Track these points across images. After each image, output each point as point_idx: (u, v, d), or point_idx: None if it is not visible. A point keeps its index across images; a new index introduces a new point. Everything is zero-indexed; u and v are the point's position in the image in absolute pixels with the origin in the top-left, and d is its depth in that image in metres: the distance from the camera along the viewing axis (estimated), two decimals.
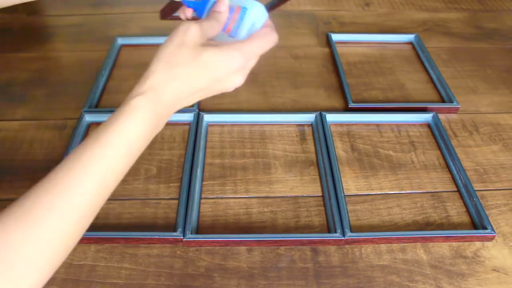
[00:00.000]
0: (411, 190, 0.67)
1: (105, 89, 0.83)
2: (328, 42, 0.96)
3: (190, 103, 0.42)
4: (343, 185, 0.66)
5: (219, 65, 0.40)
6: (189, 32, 0.40)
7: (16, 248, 0.32)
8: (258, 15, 0.43)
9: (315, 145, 0.73)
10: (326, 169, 0.67)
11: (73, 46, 0.95)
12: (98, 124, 0.76)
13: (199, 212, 0.63)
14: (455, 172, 0.69)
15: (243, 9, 0.43)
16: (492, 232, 0.60)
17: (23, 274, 0.32)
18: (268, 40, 0.43)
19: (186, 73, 0.40)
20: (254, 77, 0.90)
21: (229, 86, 0.43)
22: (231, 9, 0.44)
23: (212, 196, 0.65)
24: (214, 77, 0.41)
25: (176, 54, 0.40)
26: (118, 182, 0.39)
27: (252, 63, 0.43)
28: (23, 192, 0.65)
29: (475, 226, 0.62)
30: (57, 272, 0.55)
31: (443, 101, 0.82)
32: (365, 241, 0.59)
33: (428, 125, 0.78)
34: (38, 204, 0.34)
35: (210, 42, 0.42)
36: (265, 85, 0.86)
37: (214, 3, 0.44)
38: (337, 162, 0.68)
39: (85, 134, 0.74)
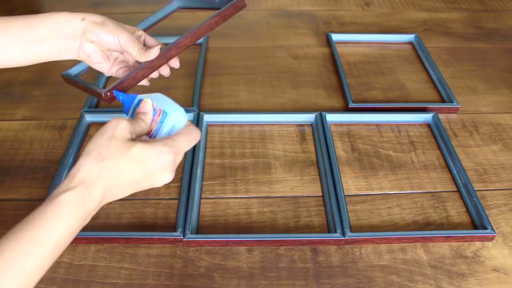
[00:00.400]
0: (411, 190, 0.67)
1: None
2: (328, 42, 0.96)
3: (120, 197, 0.42)
4: (343, 185, 0.66)
5: (149, 160, 0.41)
6: (119, 127, 0.41)
7: None
8: (178, 119, 0.45)
9: (315, 145, 0.73)
10: (326, 169, 0.67)
11: None
12: (98, 124, 0.76)
13: (199, 212, 0.63)
14: (455, 172, 0.69)
15: (164, 113, 0.45)
16: (492, 232, 0.60)
17: None
18: (193, 137, 0.45)
19: (116, 166, 0.39)
20: (254, 77, 0.91)
21: (158, 182, 0.42)
22: (154, 111, 0.45)
23: (212, 196, 0.65)
24: (144, 171, 0.41)
25: (106, 147, 0.40)
26: (40, 278, 0.37)
27: (179, 158, 0.44)
28: (23, 192, 0.65)
29: (475, 226, 0.62)
30: (57, 272, 0.55)
31: (443, 101, 0.82)
32: (365, 241, 0.59)
33: (428, 125, 0.78)
34: None
35: (139, 138, 0.43)
36: (265, 85, 0.86)
37: (139, 102, 0.46)
38: (337, 162, 0.68)
39: (85, 134, 0.74)
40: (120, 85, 0.50)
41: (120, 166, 0.40)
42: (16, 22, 0.52)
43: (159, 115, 0.45)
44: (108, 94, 0.49)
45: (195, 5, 0.61)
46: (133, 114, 0.46)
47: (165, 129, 0.45)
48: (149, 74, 0.52)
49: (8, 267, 0.34)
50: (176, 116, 0.45)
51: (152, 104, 0.45)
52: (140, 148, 0.40)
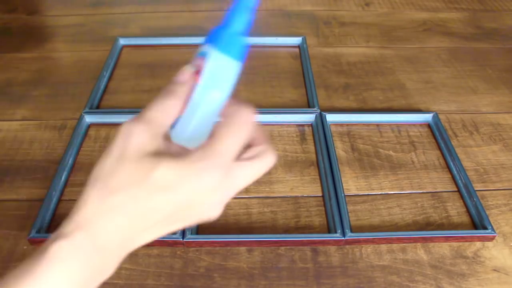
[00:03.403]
0: (411, 190, 0.67)
1: (106, 90, 0.83)
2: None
3: (149, 240, 0.30)
4: (343, 185, 0.66)
5: (181, 185, 0.27)
6: (132, 140, 0.27)
7: None
8: (221, 66, 0.26)
9: (315, 145, 0.73)
10: (326, 169, 0.67)
11: (73, 46, 0.95)
12: (98, 125, 0.76)
13: None
14: (455, 172, 0.69)
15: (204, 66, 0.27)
16: (493, 232, 0.59)
17: None
18: (240, 127, 0.28)
19: (133, 201, 0.27)
20: (254, 77, 0.90)
21: (204, 214, 0.29)
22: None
23: None
24: (176, 202, 0.27)
25: (115, 174, 0.27)
26: None
27: (230, 171, 0.28)
28: (23, 192, 0.65)
29: (475, 226, 0.62)
30: None
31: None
32: (365, 241, 0.59)
33: (428, 125, 0.78)
34: None
35: (165, 148, 0.29)
36: (265, 85, 0.86)
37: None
38: (337, 162, 0.68)
39: (85, 135, 0.74)
40: None
41: (139, 201, 0.27)
42: None
43: (198, 76, 0.28)
44: None
45: None
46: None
47: (202, 97, 0.28)
48: None
49: None
50: (218, 61, 0.26)
51: (194, 70, 0.28)
52: (166, 170, 0.27)
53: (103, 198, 0.27)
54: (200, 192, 0.27)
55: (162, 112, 0.29)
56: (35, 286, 0.26)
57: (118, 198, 0.27)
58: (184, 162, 0.27)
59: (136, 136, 0.27)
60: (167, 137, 0.30)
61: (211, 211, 0.29)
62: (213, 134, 0.28)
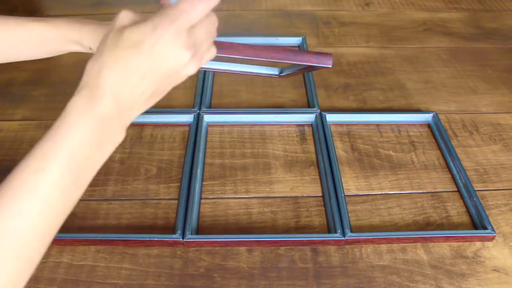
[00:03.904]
0: (411, 190, 0.67)
1: None
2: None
3: (139, 96, 0.35)
4: (343, 185, 0.66)
5: (142, 40, 0.33)
6: (119, 16, 0.37)
7: None
8: None
9: (315, 145, 0.73)
10: (326, 169, 0.67)
11: None
12: None
13: (199, 212, 0.63)
14: (455, 172, 0.69)
15: None
16: (493, 232, 0.59)
17: None
18: None
19: (113, 58, 0.34)
20: (254, 77, 0.90)
21: (173, 64, 0.35)
22: None
23: (212, 197, 0.65)
24: (146, 55, 0.34)
25: (104, 41, 0.35)
26: (72, 198, 0.33)
27: (197, 32, 0.35)
28: None
29: (475, 226, 0.62)
30: (57, 273, 0.55)
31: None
32: (365, 241, 0.59)
33: (428, 125, 0.78)
34: None
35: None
36: (265, 85, 0.86)
37: None
38: (337, 162, 0.68)
39: None
40: None
41: (118, 57, 0.34)
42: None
43: None
44: None
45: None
46: None
47: None
48: None
49: (21, 186, 0.31)
50: None
51: None
52: (131, 31, 0.34)
53: (95, 60, 0.34)
54: (161, 44, 0.33)
55: (148, 16, 0.36)
56: (59, 137, 0.33)
57: (104, 57, 0.34)
58: (143, 21, 0.34)
59: (122, 14, 0.37)
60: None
61: (179, 59, 0.34)
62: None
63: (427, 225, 0.62)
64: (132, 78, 0.34)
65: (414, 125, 0.78)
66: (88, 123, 0.33)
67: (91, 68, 0.34)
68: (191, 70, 0.36)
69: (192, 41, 0.35)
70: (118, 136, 0.35)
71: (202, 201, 0.64)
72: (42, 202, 0.31)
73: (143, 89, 0.35)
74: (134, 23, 0.35)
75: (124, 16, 0.36)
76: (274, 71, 0.60)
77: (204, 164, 0.70)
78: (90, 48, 0.51)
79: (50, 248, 0.50)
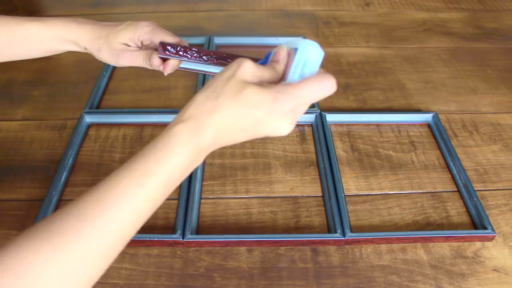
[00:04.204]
0: (411, 190, 0.67)
1: (106, 90, 0.83)
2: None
3: (231, 142, 0.39)
4: (343, 185, 0.66)
5: (262, 106, 0.37)
6: (242, 67, 0.38)
7: (36, 274, 0.30)
8: (310, 53, 0.38)
9: (315, 145, 0.73)
10: (326, 169, 0.67)
11: None
12: (98, 125, 0.76)
13: (199, 212, 0.63)
14: (455, 172, 0.69)
15: (295, 51, 0.39)
16: (492, 232, 0.59)
17: None
18: (323, 86, 0.37)
19: (227, 107, 0.37)
20: None
21: (273, 131, 0.38)
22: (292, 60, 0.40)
23: (212, 197, 0.65)
24: (255, 117, 0.37)
25: (222, 85, 0.37)
26: (153, 212, 0.37)
27: (301, 108, 0.39)
28: (23, 192, 0.65)
29: (475, 226, 0.62)
30: None
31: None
32: (365, 241, 0.59)
33: (428, 125, 0.78)
34: (65, 229, 0.32)
35: (259, 82, 0.39)
36: None
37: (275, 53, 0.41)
38: (337, 162, 0.68)
39: (85, 135, 0.74)
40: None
41: (231, 108, 0.37)
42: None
43: (291, 56, 0.39)
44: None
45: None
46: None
47: (296, 72, 0.39)
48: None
49: (122, 195, 0.34)
50: (308, 50, 0.38)
51: (287, 51, 0.40)
52: (253, 92, 0.36)
53: (209, 99, 0.37)
54: (273, 114, 0.37)
55: (264, 69, 0.39)
56: (161, 157, 0.36)
57: (218, 101, 0.37)
58: (266, 90, 0.37)
59: (245, 66, 0.38)
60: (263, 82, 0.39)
61: (281, 129, 0.38)
62: (299, 81, 0.38)
63: (427, 225, 0.62)
64: (235, 128, 0.38)
65: (414, 125, 0.78)
66: (188, 151, 0.37)
67: (203, 105, 0.37)
68: (286, 133, 0.39)
69: (297, 117, 0.39)
70: (202, 161, 0.39)
71: (202, 201, 0.64)
72: (136, 213, 0.35)
73: (239, 138, 0.39)
74: (257, 85, 0.37)
75: (248, 68, 0.38)
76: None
77: (204, 164, 0.70)
78: (86, 48, 0.53)
79: None
